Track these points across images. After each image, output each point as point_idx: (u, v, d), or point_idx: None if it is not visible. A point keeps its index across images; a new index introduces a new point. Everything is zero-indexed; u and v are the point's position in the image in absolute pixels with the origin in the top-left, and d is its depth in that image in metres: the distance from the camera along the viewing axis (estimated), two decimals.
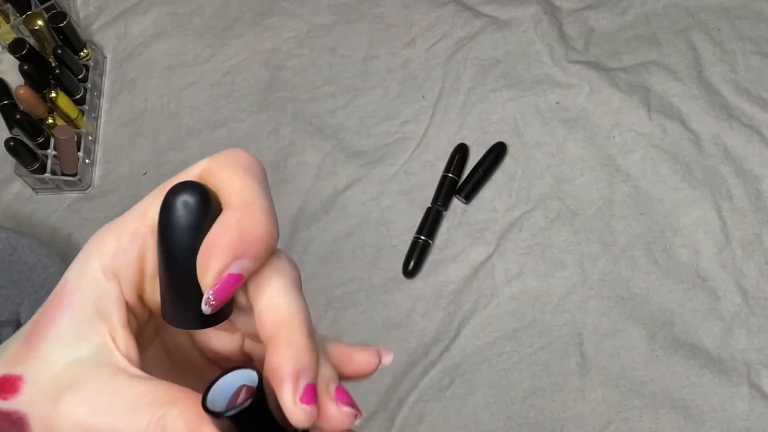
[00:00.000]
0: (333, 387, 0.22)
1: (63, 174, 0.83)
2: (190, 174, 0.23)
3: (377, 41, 0.91)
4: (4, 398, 0.21)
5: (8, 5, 0.87)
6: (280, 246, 0.23)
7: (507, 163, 0.83)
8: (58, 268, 0.73)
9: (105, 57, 0.93)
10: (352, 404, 0.22)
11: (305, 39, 0.92)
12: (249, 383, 0.21)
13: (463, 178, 0.82)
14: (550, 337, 0.75)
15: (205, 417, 0.20)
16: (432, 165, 0.83)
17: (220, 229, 0.21)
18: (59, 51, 0.83)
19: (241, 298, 0.24)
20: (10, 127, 0.83)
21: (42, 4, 0.87)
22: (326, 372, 0.22)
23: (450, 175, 0.81)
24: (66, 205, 0.85)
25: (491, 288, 0.77)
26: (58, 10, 0.86)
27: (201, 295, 0.21)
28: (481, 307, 0.76)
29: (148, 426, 0.20)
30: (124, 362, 0.22)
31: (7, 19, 0.88)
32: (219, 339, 0.26)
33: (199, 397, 0.20)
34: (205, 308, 0.21)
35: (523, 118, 0.85)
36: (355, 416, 0.22)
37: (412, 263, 0.78)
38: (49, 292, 0.73)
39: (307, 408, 0.21)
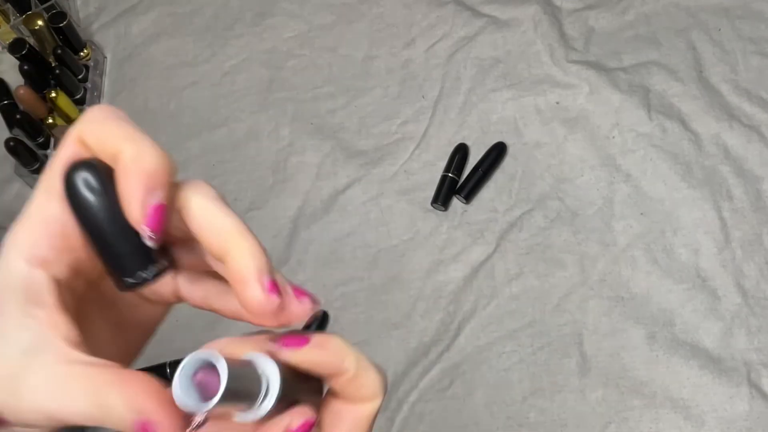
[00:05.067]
0: (288, 286, 0.25)
1: None
2: (69, 146, 0.25)
3: (377, 41, 0.91)
4: None
5: (8, 5, 0.87)
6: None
7: (507, 163, 0.83)
8: None
9: (105, 57, 0.93)
10: (310, 296, 0.25)
11: (305, 39, 0.92)
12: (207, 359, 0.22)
13: (463, 178, 0.82)
14: (550, 337, 0.75)
15: (141, 395, 0.22)
16: (432, 165, 0.83)
17: (124, 179, 0.23)
18: (59, 51, 0.83)
19: (177, 232, 0.25)
20: (10, 127, 0.83)
21: (42, 4, 0.87)
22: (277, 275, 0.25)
23: (450, 175, 0.81)
24: None
25: (491, 288, 0.77)
26: (58, 10, 0.86)
27: (140, 250, 0.24)
28: (481, 307, 0.76)
29: (91, 408, 0.22)
30: (63, 347, 0.23)
31: (7, 19, 0.88)
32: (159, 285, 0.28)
33: (136, 375, 0.23)
34: (150, 243, 0.23)
35: (523, 118, 0.85)
36: (314, 304, 0.25)
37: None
38: None
39: (276, 299, 0.24)
